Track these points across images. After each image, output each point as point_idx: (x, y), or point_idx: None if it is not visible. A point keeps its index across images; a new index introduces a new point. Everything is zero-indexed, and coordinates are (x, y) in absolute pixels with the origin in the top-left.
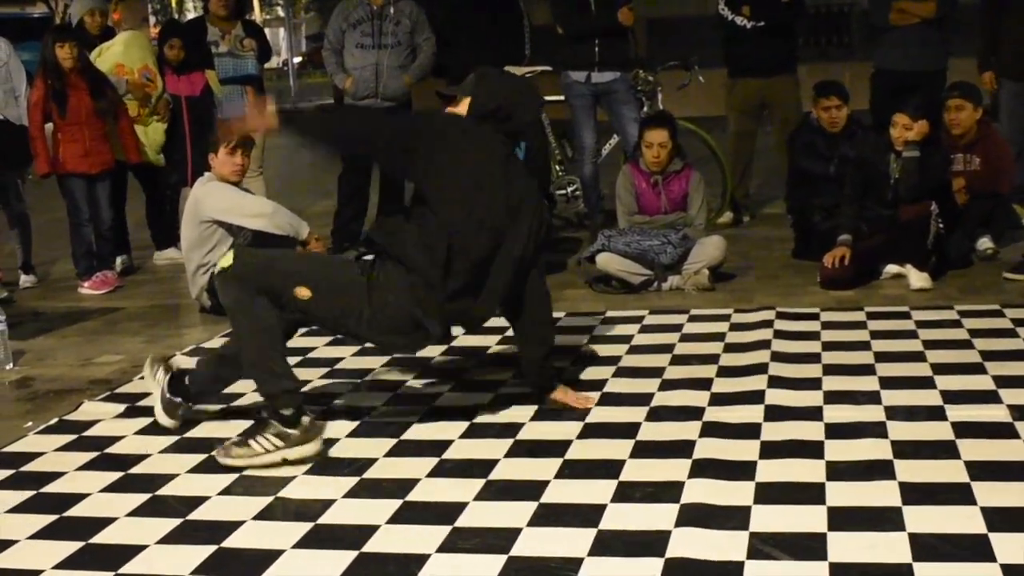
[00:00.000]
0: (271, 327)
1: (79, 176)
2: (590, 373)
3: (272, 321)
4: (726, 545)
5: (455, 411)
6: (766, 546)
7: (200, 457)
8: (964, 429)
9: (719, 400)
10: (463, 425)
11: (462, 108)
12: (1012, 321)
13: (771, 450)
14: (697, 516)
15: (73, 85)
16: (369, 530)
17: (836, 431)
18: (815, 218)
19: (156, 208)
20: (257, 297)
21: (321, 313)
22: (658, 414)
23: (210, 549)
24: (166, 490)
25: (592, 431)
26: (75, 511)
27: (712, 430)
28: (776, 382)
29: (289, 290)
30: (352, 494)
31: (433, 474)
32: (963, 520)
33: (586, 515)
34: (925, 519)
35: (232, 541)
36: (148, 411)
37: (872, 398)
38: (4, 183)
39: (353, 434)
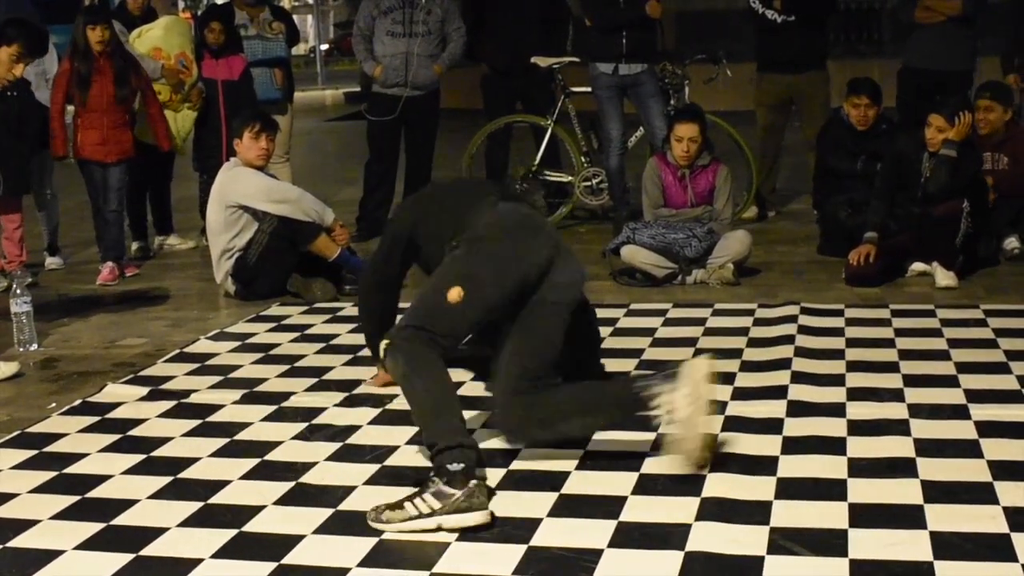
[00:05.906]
0: (447, 383)
1: (95, 163)
2: (613, 365)
3: (447, 377)
4: (747, 540)
5: (476, 401)
6: (787, 541)
7: (222, 441)
8: (988, 428)
9: (742, 395)
10: (484, 415)
11: None
12: None
13: (793, 446)
14: (718, 510)
15: (99, 70)
16: None
17: (859, 428)
18: (841, 214)
19: (162, 194)
20: (429, 353)
21: (478, 305)
22: None
23: (231, 533)
24: (188, 473)
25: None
26: (97, 492)
27: (734, 424)
28: (799, 378)
29: (449, 313)
30: (373, 481)
31: None
32: (985, 519)
33: (606, 507)
34: (947, 518)
35: (253, 525)
36: (171, 394)
37: (896, 395)
38: (40, 165)
39: (375, 421)
